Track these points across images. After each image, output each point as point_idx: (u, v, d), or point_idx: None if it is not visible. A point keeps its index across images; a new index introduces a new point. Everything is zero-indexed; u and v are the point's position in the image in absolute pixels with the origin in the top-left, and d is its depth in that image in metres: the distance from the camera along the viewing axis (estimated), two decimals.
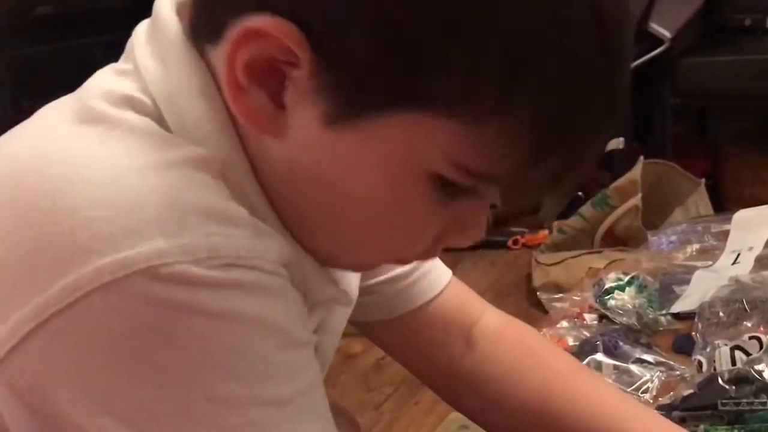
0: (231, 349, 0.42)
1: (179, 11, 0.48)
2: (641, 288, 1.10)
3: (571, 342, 1.01)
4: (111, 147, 0.43)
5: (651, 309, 1.08)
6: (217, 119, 0.46)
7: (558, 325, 1.05)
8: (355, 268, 0.58)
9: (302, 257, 0.49)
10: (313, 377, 0.47)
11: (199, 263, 0.40)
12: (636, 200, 2.20)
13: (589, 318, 1.07)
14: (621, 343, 0.97)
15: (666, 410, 0.83)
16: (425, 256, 0.53)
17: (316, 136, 0.44)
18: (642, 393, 0.89)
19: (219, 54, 0.45)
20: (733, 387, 0.81)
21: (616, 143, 2.64)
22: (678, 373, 0.93)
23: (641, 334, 1.02)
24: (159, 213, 0.41)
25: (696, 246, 1.22)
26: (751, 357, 0.86)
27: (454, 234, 0.50)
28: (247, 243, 0.43)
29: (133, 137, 0.43)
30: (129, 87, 0.46)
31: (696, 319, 0.98)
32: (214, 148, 0.45)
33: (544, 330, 1.03)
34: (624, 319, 1.05)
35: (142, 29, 0.49)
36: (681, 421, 0.79)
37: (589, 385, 0.69)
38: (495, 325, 0.72)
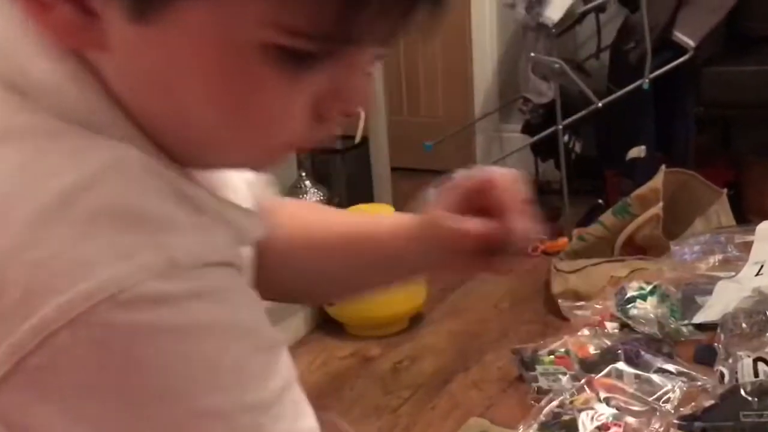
0: (205, 361, 0.42)
1: None
2: (663, 297, 1.10)
3: (592, 350, 1.01)
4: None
5: (673, 319, 1.08)
6: (63, 69, 0.44)
7: (579, 333, 1.05)
8: (251, 166, 0.54)
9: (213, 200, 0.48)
10: (288, 373, 0.47)
11: (156, 279, 0.40)
12: (657, 209, 2.19)
13: (611, 326, 1.07)
14: (643, 353, 0.97)
15: (687, 421, 0.83)
16: (315, 137, 0.49)
17: (132, 35, 0.42)
18: (663, 403, 0.88)
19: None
20: (756, 399, 0.81)
21: (638, 151, 2.63)
22: (700, 383, 0.92)
23: (663, 344, 1.02)
24: (104, 237, 0.40)
25: (719, 257, 1.22)
26: None
27: (332, 104, 0.46)
28: (192, 242, 0.43)
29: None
30: None
31: (718, 330, 0.97)
32: (95, 114, 0.44)
33: (565, 337, 1.03)
34: (646, 328, 1.05)
35: None
36: None
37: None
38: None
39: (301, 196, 2.35)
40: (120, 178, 0.42)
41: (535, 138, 2.90)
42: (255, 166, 0.53)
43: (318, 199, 2.35)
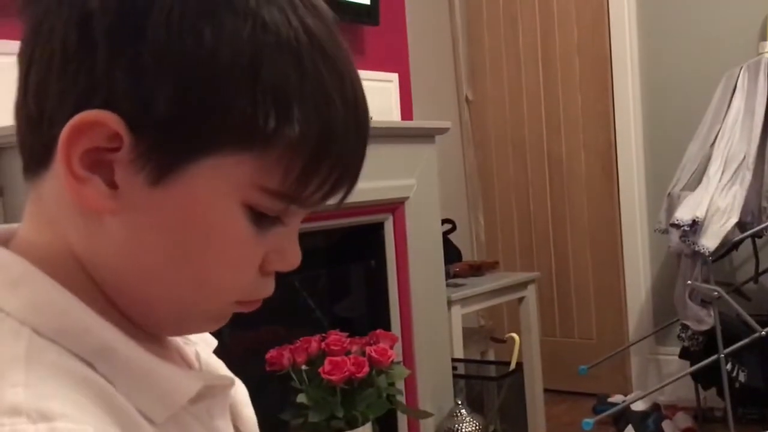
0: None
1: None
2: None
3: None
4: None
5: None
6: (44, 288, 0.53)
7: None
8: (202, 324, 0.61)
9: (142, 371, 0.53)
10: None
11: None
12: None
13: None
14: None
15: None
16: (261, 292, 0.58)
17: (147, 198, 0.52)
18: None
19: (51, 174, 0.53)
20: None
21: None
22: None
23: None
24: None
25: None
26: None
27: (275, 262, 0.58)
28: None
29: None
30: None
31: None
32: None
33: None
34: None
35: None
36: None
37: None
38: None
39: (457, 425, 2.35)
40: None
41: (696, 367, 2.82)
42: (210, 324, 0.60)
43: (474, 428, 2.35)
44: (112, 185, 0.52)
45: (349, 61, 0.56)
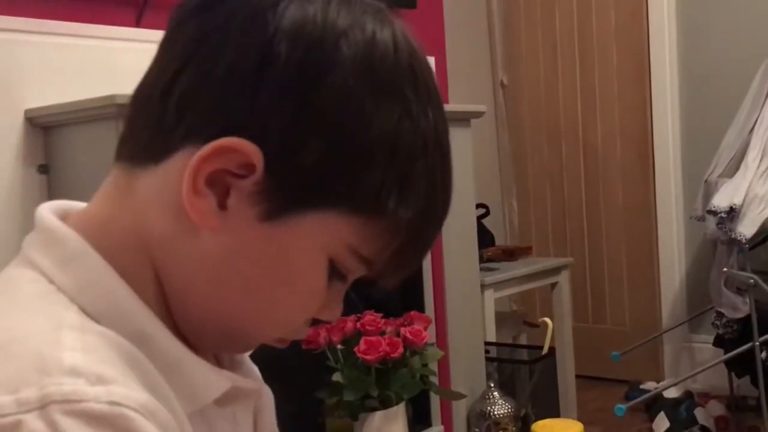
0: None
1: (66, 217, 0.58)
2: None
3: None
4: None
5: None
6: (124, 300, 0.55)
7: None
8: (238, 349, 0.65)
9: (186, 360, 0.56)
10: None
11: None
12: None
13: None
14: None
15: None
16: (299, 335, 0.62)
17: (251, 229, 0.55)
18: None
19: (159, 172, 0.56)
20: None
21: None
22: None
23: None
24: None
25: None
26: None
27: (323, 313, 0.61)
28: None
29: None
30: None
31: None
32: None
33: None
34: None
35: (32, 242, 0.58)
36: None
37: None
38: None
39: (489, 408, 2.36)
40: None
41: (729, 355, 2.80)
42: (243, 350, 0.65)
43: (506, 411, 2.36)
44: (222, 206, 0.55)
45: (451, 157, 0.61)
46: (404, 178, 0.56)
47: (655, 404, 3.02)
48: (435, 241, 0.62)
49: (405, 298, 2.41)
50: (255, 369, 0.71)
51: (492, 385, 2.43)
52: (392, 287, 0.63)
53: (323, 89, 0.53)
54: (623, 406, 2.61)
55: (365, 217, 0.56)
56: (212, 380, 0.58)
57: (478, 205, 3.02)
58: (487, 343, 2.62)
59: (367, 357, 1.89)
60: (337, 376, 1.90)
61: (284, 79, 0.53)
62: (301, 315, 0.60)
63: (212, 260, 0.56)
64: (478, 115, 2.53)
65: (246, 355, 0.70)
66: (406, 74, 0.57)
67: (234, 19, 0.54)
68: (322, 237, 0.56)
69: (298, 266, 0.57)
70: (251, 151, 0.53)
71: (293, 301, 0.58)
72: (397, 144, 0.55)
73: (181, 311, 0.58)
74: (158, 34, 0.59)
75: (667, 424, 2.89)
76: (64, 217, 0.59)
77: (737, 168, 2.80)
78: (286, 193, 0.54)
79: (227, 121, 0.54)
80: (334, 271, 0.58)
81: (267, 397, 0.69)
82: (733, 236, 2.63)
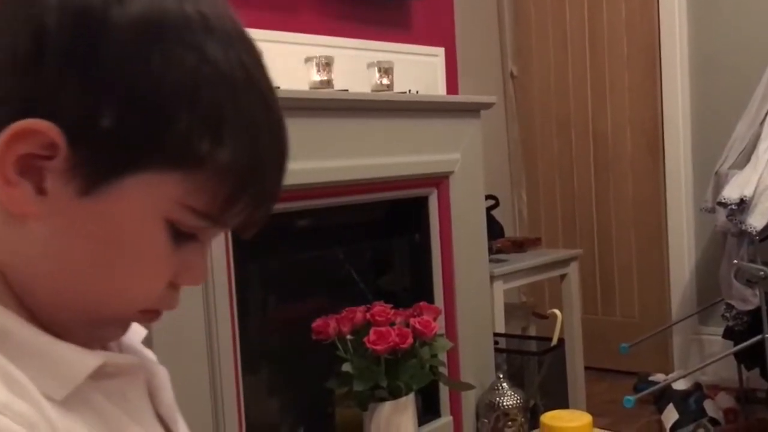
0: None
1: None
2: None
3: None
4: None
5: None
6: None
7: None
8: (106, 330, 0.62)
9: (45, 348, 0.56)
10: None
11: None
12: None
13: None
14: None
15: None
16: (166, 304, 0.62)
17: (74, 206, 0.54)
18: None
19: None
20: None
21: None
22: None
23: None
24: None
25: None
26: None
27: (184, 277, 0.61)
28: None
29: None
30: None
31: None
32: None
33: None
34: None
35: None
36: None
37: None
38: None
39: (498, 399, 2.37)
40: None
41: (739, 347, 2.80)
42: (115, 330, 0.63)
43: (515, 402, 2.36)
44: (41, 191, 0.54)
45: (276, 96, 0.60)
46: (214, 122, 0.55)
47: (664, 396, 3.02)
48: (278, 182, 0.61)
49: (414, 290, 2.41)
50: (148, 352, 0.71)
51: (501, 376, 2.43)
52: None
53: (102, 52, 0.53)
54: (632, 398, 2.61)
55: (184, 170, 0.55)
56: (80, 359, 0.57)
57: (488, 197, 3.02)
58: (496, 335, 2.62)
59: (377, 347, 1.89)
60: (346, 367, 1.91)
61: (60, 50, 0.53)
62: (154, 283, 0.59)
63: (46, 246, 0.56)
64: (487, 106, 2.53)
65: (135, 340, 0.70)
66: (194, 21, 0.55)
67: (5, 4, 0.55)
68: (148, 199, 0.55)
69: (132, 234, 0.56)
70: (47, 128, 0.52)
71: (139, 270, 0.58)
72: (197, 91, 0.54)
73: (36, 305, 0.58)
74: None
75: (676, 416, 2.89)
76: None
77: (748, 159, 2.78)
78: (96, 163, 0.54)
79: (20, 104, 0.53)
80: (178, 232, 0.58)
81: (162, 376, 0.69)
82: (743, 228, 2.62)
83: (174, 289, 0.62)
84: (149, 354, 0.71)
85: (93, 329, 0.60)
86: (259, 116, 0.58)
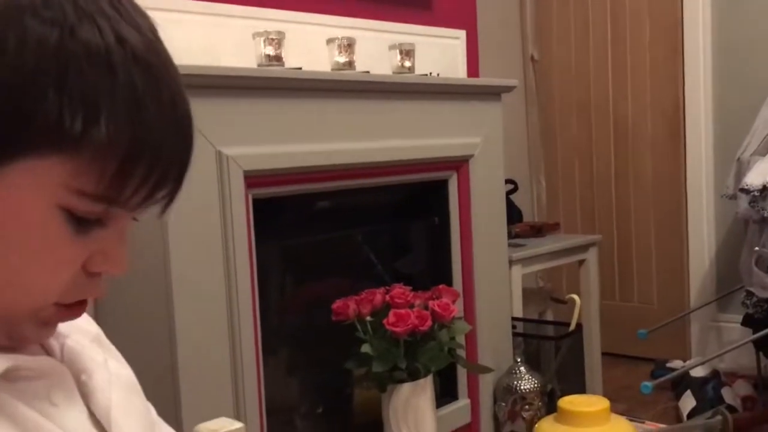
0: None
1: None
2: None
3: None
4: None
5: None
6: None
7: None
8: (27, 330, 0.60)
9: None
10: None
11: None
12: None
13: None
14: None
15: None
16: (85, 292, 0.59)
17: None
18: None
19: None
20: None
21: None
22: None
23: None
24: None
25: None
26: None
27: (100, 264, 0.59)
28: None
29: None
30: None
31: None
32: None
33: None
34: None
35: None
36: None
37: None
38: None
39: (516, 382, 2.37)
40: None
41: (759, 334, 2.78)
42: (38, 329, 0.60)
43: (532, 386, 2.37)
44: None
45: (168, 67, 0.58)
46: (86, 101, 0.52)
47: (682, 383, 3.01)
48: (176, 158, 0.58)
49: (433, 273, 2.41)
50: (94, 353, 0.69)
51: (519, 360, 2.43)
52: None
53: None
54: (650, 384, 2.60)
55: (62, 153, 0.53)
56: None
57: (507, 181, 3.01)
58: (513, 319, 2.62)
59: (396, 329, 1.90)
60: (366, 348, 1.91)
61: None
62: (56, 273, 0.57)
63: None
64: (509, 89, 2.52)
65: (80, 341, 0.68)
66: None
67: None
68: (32, 187, 0.54)
69: (21, 224, 0.54)
70: None
71: (36, 261, 0.55)
72: (63, 71, 0.52)
73: None
74: None
75: (693, 402, 2.88)
76: None
77: None
78: None
79: None
80: (78, 219, 0.56)
81: (98, 378, 0.66)
82: (765, 215, 2.60)
83: (93, 277, 0.59)
84: (95, 355, 0.68)
85: (10, 328, 0.58)
86: (142, 88, 0.55)
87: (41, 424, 0.58)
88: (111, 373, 0.68)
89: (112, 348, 0.74)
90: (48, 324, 0.61)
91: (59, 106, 0.52)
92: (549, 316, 3.30)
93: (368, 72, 2.19)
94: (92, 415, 0.64)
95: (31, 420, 0.57)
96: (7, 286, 0.56)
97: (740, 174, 2.81)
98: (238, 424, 0.96)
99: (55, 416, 0.60)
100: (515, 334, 2.58)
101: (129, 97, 0.54)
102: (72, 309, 0.60)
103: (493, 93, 2.48)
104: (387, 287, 2.04)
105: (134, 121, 0.54)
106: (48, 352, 0.65)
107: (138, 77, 0.55)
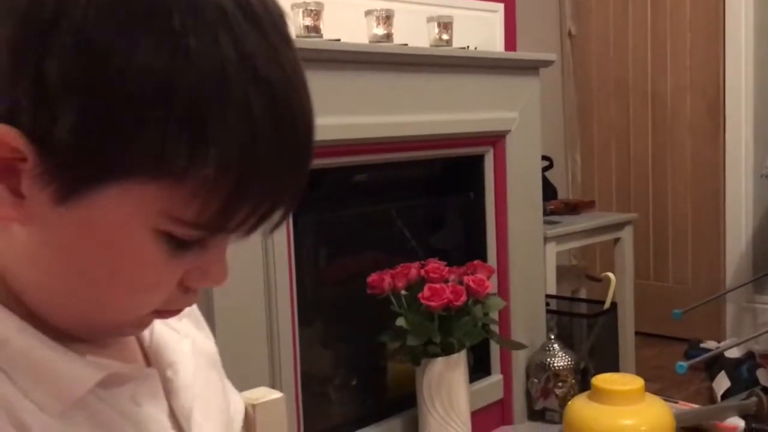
0: None
1: None
2: None
3: None
4: None
5: None
6: None
7: None
8: (119, 333, 0.60)
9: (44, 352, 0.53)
10: None
11: None
12: None
13: None
14: None
15: None
16: (179, 305, 0.57)
17: (52, 214, 0.50)
18: None
19: None
20: None
21: None
22: None
23: None
24: None
25: None
26: None
27: (198, 280, 0.55)
28: None
29: None
30: None
31: None
32: None
33: None
34: None
35: None
36: None
37: None
38: None
39: (549, 359, 2.36)
40: None
41: None
42: (130, 330, 0.60)
43: (565, 363, 2.36)
44: (19, 194, 0.50)
45: (292, 78, 0.51)
46: (192, 130, 0.47)
47: (716, 364, 2.99)
48: (289, 185, 0.53)
49: (467, 248, 2.41)
50: (182, 344, 0.67)
51: (552, 337, 2.42)
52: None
53: (54, 45, 0.46)
54: (685, 364, 2.59)
55: (160, 183, 0.48)
56: (79, 374, 0.55)
57: (542, 158, 2.99)
58: (547, 296, 2.61)
59: (432, 303, 1.90)
60: (400, 321, 1.92)
61: (11, 45, 0.48)
62: (151, 292, 0.54)
63: (31, 252, 0.53)
64: (547, 63, 2.49)
65: (170, 326, 0.67)
66: (169, 4, 0.47)
67: None
68: (126, 211, 0.50)
69: (113, 246, 0.51)
70: (6, 132, 0.48)
71: (129, 281, 0.53)
72: (170, 90, 0.46)
73: (37, 307, 0.55)
74: None
75: (727, 383, 2.86)
76: None
77: None
78: (65, 171, 0.48)
79: None
80: (177, 242, 0.52)
81: (183, 376, 0.65)
82: None
83: (188, 291, 0.57)
84: (183, 347, 0.67)
85: (96, 329, 0.58)
86: (259, 111, 0.48)
87: (121, 425, 0.57)
88: (196, 355, 0.67)
89: (201, 319, 0.74)
90: (137, 327, 0.60)
91: (162, 136, 0.47)
92: (582, 294, 3.28)
93: (406, 45, 2.18)
94: (172, 413, 0.63)
95: (117, 427, 0.57)
96: (89, 305, 0.54)
97: None
98: (278, 394, 0.97)
99: (136, 416, 0.59)
100: (548, 311, 2.57)
101: (242, 124, 0.48)
102: (164, 315, 0.59)
103: (531, 68, 2.45)
104: (422, 262, 2.04)
105: (246, 154, 0.49)
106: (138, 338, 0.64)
107: (256, 102, 0.48)
